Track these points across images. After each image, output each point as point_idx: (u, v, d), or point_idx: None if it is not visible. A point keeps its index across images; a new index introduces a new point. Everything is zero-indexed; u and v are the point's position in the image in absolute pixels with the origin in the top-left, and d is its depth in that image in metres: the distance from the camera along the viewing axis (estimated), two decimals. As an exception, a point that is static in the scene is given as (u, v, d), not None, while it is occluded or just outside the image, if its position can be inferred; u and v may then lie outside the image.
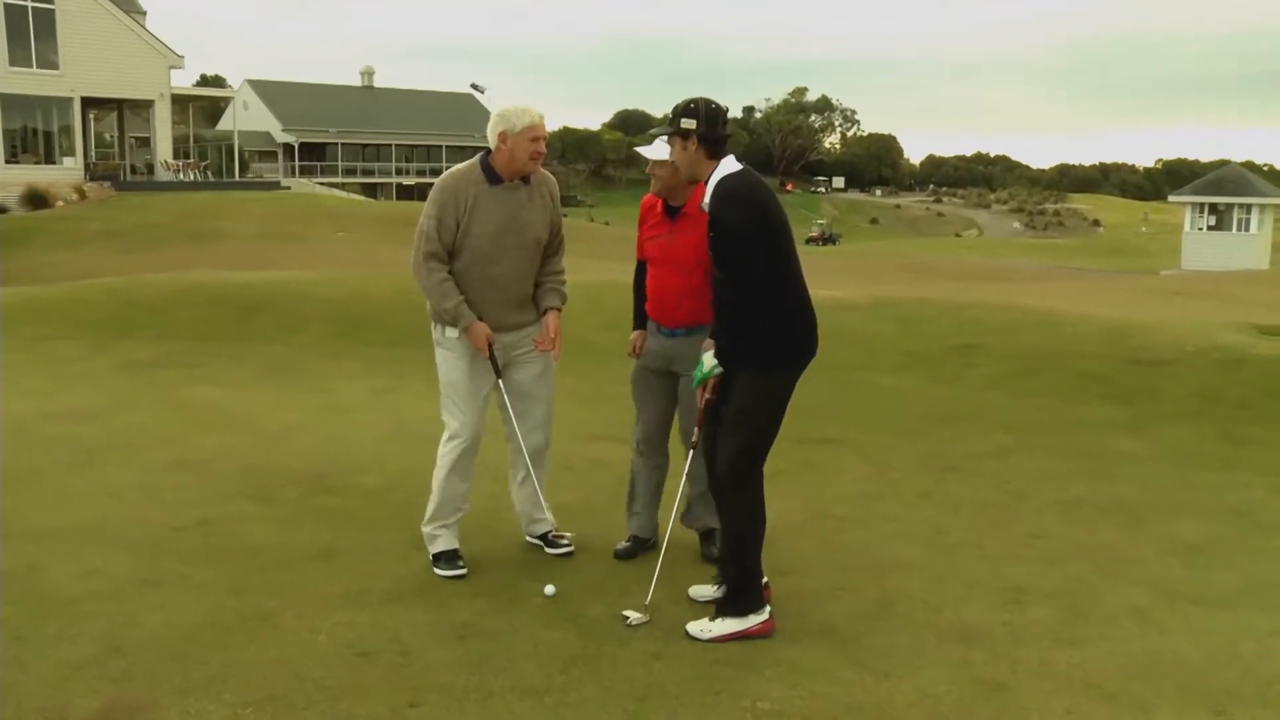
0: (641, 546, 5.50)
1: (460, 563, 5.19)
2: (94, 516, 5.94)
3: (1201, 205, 45.88)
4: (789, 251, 4.51)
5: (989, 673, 4.26)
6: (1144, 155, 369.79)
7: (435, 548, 5.26)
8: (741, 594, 4.55)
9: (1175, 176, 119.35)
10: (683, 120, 4.49)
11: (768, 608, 4.59)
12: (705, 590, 4.90)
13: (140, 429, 8.05)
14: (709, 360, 4.59)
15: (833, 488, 6.84)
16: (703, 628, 4.52)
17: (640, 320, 5.44)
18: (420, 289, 5.15)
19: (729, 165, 4.50)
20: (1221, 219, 45.34)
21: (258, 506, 6.20)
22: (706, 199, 4.51)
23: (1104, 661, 4.37)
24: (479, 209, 5.04)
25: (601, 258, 23.70)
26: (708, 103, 4.53)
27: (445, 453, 5.26)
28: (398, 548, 5.52)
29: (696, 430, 4.90)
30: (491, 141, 5.07)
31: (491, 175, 5.08)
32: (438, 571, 5.16)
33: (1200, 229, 45.71)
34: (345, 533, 5.76)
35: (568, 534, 5.54)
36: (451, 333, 5.16)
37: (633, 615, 4.66)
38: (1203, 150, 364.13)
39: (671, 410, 5.44)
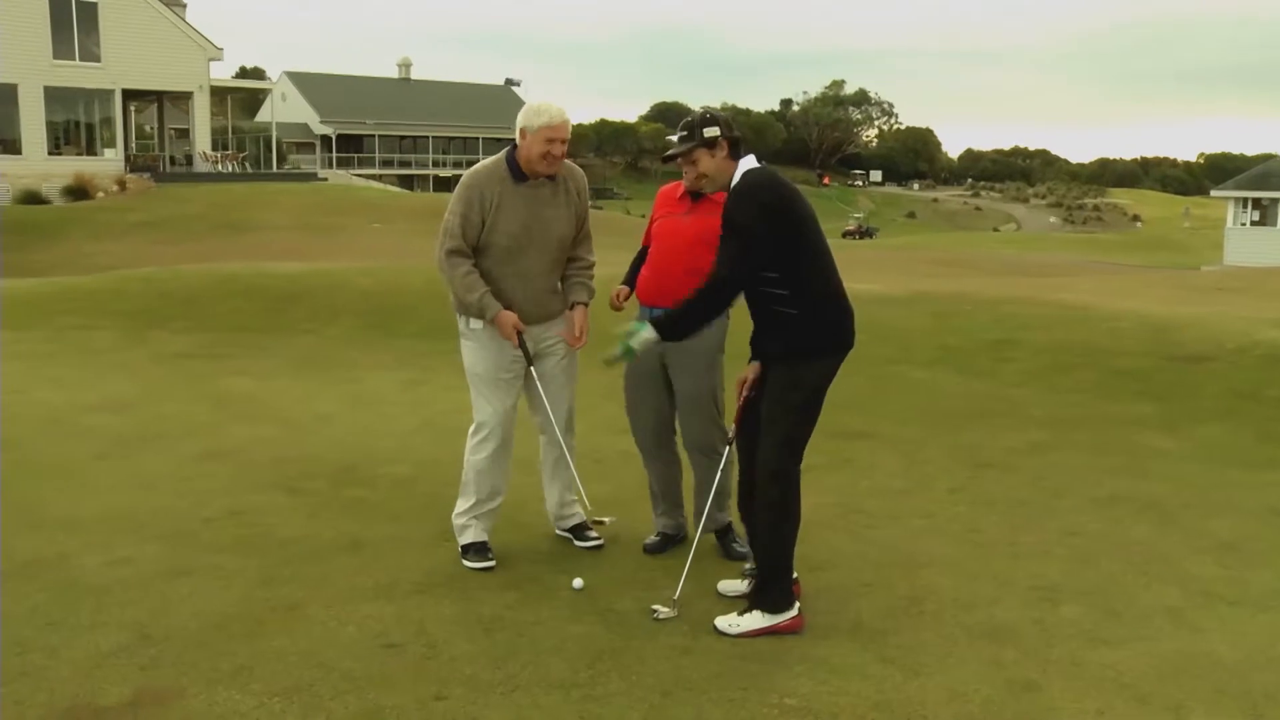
0: (669, 542, 5.48)
1: (489, 555, 5.18)
2: (125, 506, 5.99)
3: (1245, 200, 45.27)
4: (813, 243, 4.48)
5: (1020, 672, 4.21)
6: (1186, 149, 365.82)
7: (465, 539, 5.25)
8: (771, 589, 4.52)
9: (1218, 170, 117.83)
10: (706, 130, 4.50)
11: (797, 604, 4.56)
12: (734, 585, 4.87)
13: (173, 419, 8.11)
14: (641, 330, 4.52)
15: (865, 482, 6.78)
16: (731, 622, 4.50)
17: (632, 278, 5.38)
18: (445, 283, 5.14)
19: (747, 164, 4.53)
20: (1266, 214, 44.70)
21: (287, 497, 6.22)
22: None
23: (1137, 662, 4.31)
24: (504, 207, 5.02)
25: (635, 250, 23.66)
26: (716, 110, 4.63)
27: (475, 445, 5.25)
28: (426, 539, 5.52)
29: (734, 426, 4.86)
30: (516, 136, 5.04)
31: (516, 172, 5.05)
32: (466, 563, 5.16)
33: (1243, 224, 45.09)
34: (374, 524, 5.77)
35: (606, 518, 5.53)
36: (476, 324, 5.15)
37: (661, 610, 4.64)
38: (1247, 143, 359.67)
39: (668, 407, 5.34)
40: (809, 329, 4.46)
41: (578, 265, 5.33)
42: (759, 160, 4.56)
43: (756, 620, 4.48)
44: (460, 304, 5.13)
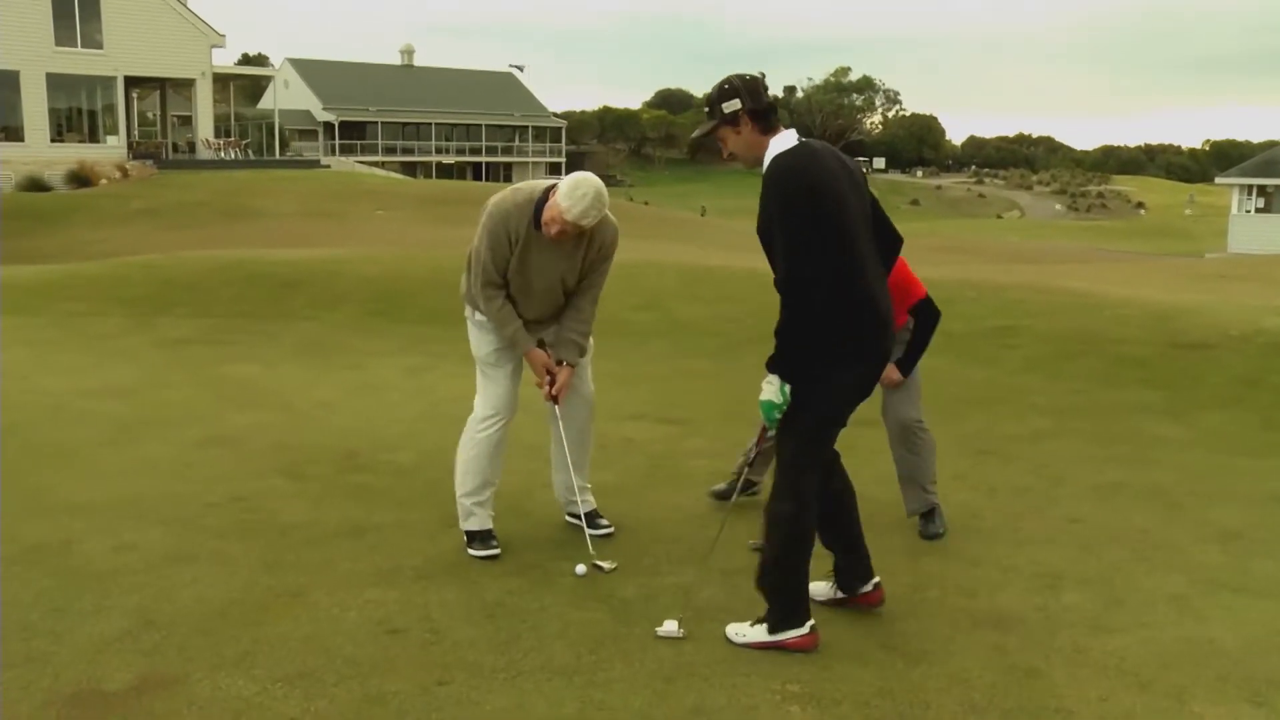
0: (732, 491, 5.31)
1: (494, 543, 5.17)
2: (129, 492, 5.99)
3: (1250, 187, 45.18)
4: (855, 238, 4.02)
5: (1022, 659, 4.21)
6: (1190, 136, 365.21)
7: (469, 525, 5.23)
8: (780, 605, 4.26)
9: (1223, 158, 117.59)
10: (725, 106, 4.05)
11: (810, 622, 4.26)
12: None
13: (175, 405, 8.11)
14: (773, 391, 4.10)
15: (868, 469, 6.73)
16: (738, 631, 4.31)
17: None
18: (480, 312, 5.17)
19: (782, 143, 4.05)
20: (1271, 201, 44.62)
21: (290, 483, 6.23)
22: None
23: (1140, 649, 4.31)
24: (525, 247, 5.02)
25: (639, 237, 23.64)
26: (740, 76, 4.11)
27: (480, 428, 5.23)
28: (429, 526, 5.52)
29: (754, 448, 4.82)
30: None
31: (539, 219, 4.98)
32: (472, 552, 5.15)
33: (1248, 211, 45.03)
34: (377, 510, 5.77)
35: (606, 565, 5.44)
36: (480, 315, 5.18)
37: (667, 626, 4.37)
38: (1252, 130, 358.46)
39: None
40: (837, 337, 4.03)
41: (575, 318, 5.22)
42: (800, 136, 4.08)
43: (763, 634, 4.25)
44: (493, 328, 5.18)
